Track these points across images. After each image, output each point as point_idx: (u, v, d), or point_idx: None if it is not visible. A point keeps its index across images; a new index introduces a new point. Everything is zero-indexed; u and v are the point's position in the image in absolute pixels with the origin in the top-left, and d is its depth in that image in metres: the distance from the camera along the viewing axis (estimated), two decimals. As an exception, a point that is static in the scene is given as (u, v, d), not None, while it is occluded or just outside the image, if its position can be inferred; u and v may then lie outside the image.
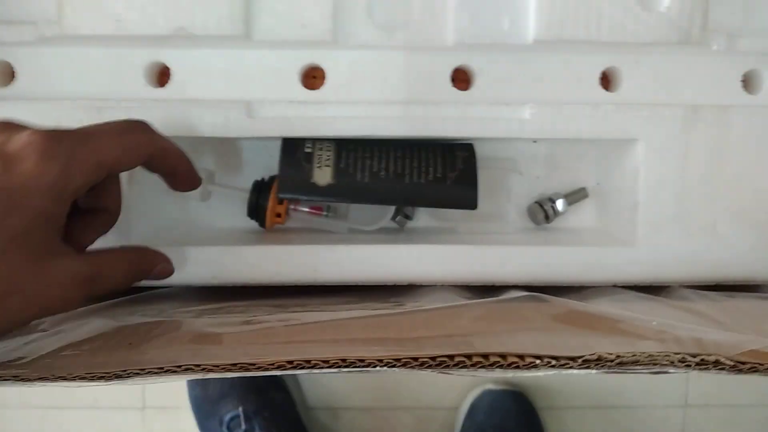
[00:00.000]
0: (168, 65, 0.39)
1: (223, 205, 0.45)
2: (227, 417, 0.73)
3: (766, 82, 0.40)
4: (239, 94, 0.39)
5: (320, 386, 0.81)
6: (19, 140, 0.27)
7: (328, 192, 0.39)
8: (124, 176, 0.36)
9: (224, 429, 0.72)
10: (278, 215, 0.42)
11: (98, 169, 0.29)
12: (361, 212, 0.43)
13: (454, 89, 0.39)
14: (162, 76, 0.40)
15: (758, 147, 0.40)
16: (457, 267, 0.39)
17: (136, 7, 0.37)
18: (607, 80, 0.40)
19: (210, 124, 0.39)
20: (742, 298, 0.38)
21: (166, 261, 0.35)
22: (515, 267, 0.39)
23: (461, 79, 0.40)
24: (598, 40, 0.38)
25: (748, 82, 0.41)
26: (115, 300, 0.37)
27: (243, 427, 0.72)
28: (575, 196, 0.44)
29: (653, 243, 0.39)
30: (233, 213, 0.44)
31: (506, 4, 0.38)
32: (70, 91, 0.39)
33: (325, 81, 0.39)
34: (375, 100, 0.39)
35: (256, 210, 0.42)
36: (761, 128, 0.40)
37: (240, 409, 0.73)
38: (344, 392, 0.82)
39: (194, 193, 0.42)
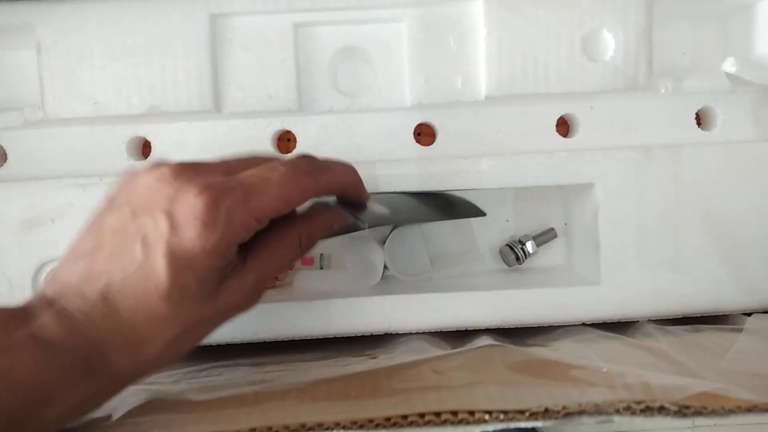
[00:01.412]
0: (148, 139, 0.42)
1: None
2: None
3: (719, 118, 0.42)
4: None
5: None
6: (185, 205, 0.28)
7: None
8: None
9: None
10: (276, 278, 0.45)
11: (259, 222, 0.29)
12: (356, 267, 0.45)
13: (418, 145, 0.41)
14: (144, 148, 0.43)
15: (715, 181, 0.41)
16: (431, 315, 0.41)
17: (111, 90, 0.40)
18: (564, 127, 0.42)
19: (189, 192, 0.41)
20: (708, 332, 0.39)
21: (334, 214, 0.35)
22: (487, 312, 0.41)
23: (426, 133, 0.42)
24: (548, 92, 0.39)
25: (702, 120, 0.42)
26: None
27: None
28: (544, 237, 0.46)
29: (617, 281, 0.41)
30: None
31: (458, 64, 0.40)
32: (58, 169, 0.41)
33: (296, 144, 0.42)
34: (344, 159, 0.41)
35: None
36: (717, 162, 0.41)
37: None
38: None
39: None
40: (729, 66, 0.40)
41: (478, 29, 0.39)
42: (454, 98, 0.40)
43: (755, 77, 0.40)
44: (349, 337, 0.41)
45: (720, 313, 0.42)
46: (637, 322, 0.42)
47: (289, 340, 0.41)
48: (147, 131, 0.42)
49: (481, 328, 0.41)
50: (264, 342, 0.41)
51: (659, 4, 0.40)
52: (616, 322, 0.41)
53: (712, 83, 0.41)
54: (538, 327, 0.41)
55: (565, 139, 0.41)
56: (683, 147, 0.41)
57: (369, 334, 0.41)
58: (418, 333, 0.41)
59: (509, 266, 0.46)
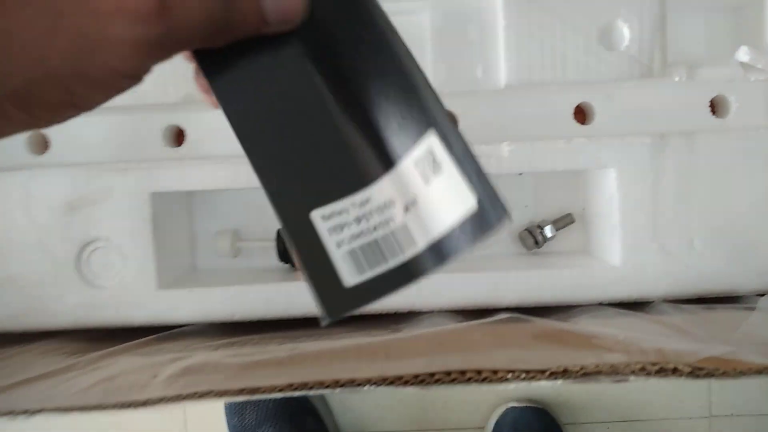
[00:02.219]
0: (182, 127, 0.44)
1: (257, 257, 0.49)
2: (264, 444, 0.76)
3: (733, 106, 0.43)
4: (246, 148, 0.43)
5: (351, 411, 0.84)
6: None
7: None
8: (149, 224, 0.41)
9: (262, 456, 0.75)
10: None
11: None
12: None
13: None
14: (178, 136, 0.45)
15: (728, 165, 0.43)
16: (453, 293, 0.43)
17: (148, 79, 0.42)
18: (582, 115, 0.44)
19: (223, 177, 0.44)
20: (721, 310, 0.41)
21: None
22: (507, 291, 0.43)
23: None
24: (565, 80, 0.41)
25: (716, 108, 0.44)
26: (144, 339, 0.42)
27: (280, 453, 0.75)
28: (562, 222, 0.47)
29: (633, 262, 0.42)
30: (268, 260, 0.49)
31: (478, 54, 0.42)
32: (99, 155, 0.44)
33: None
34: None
35: (284, 255, 0.47)
36: (730, 148, 0.43)
37: (275, 436, 0.76)
38: (374, 417, 0.84)
39: (226, 251, 0.47)
40: (742, 55, 0.41)
41: (498, 20, 0.41)
42: (475, 86, 0.42)
43: (767, 65, 0.41)
44: (374, 315, 0.43)
45: (733, 295, 0.43)
46: (653, 302, 0.43)
47: (316, 318, 0.43)
48: (181, 119, 0.44)
49: (501, 307, 0.43)
50: (294, 319, 0.43)
51: (673, -4, 0.42)
52: (632, 303, 0.43)
53: (726, 72, 0.42)
54: (556, 306, 0.43)
55: (582, 126, 0.43)
56: (698, 134, 0.43)
57: (394, 312, 0.43)
58: (440, 311, 0.43)
59: (528, 250, 0.48)
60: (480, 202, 0.25)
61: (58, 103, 0.25)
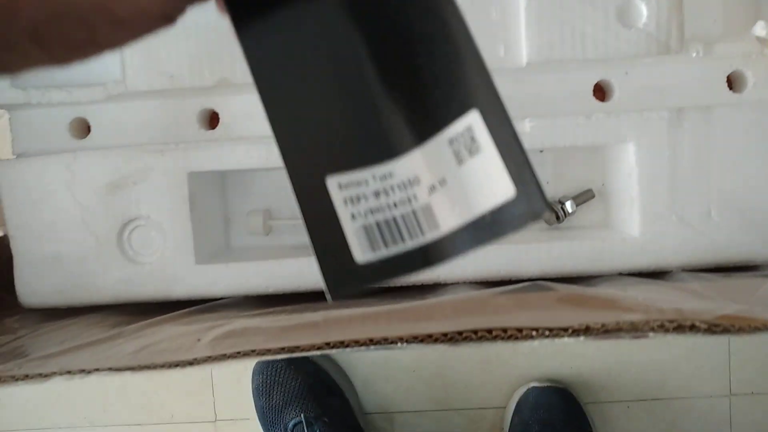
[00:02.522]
0: (216, 111, 0.46)
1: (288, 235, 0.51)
2: (291, 423, 0.79)
3: (750, 81, 0.44)
4: (277, 129, 0.45)
5: (375, 392, 0.85)
6: None
7: None
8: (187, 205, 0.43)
9: (289, 435, 0.77)
10: None
11: None
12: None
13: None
14: (212, 120, 0.47)
15: (745, 139, 0.44)
16: (476, 265, 0.44)
17: (185, 64, 0.44)
18: (601, 92, 0.45)
19: (255, 157, 0.46)
20: (739, 277, 0.42)
21: None
22: (529, 263, 0.44)
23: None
24: (585, 57, 0.43)
25: (733, 82, 0.45)
26: (184, 311, 0.44)
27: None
28: (583, 197, 0.49)
29: (652, 233, 0.44)
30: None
31: (500, 33, 0.43)
32: (136, 138, 0.46)
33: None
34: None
35: None
36: (747, 122, 0.44)
37: (302, 415, 0.78)
38: (398, 397, 0.86)
39: (258, 229, 0.49)
40: (759, 29, 0.42)
41: (519, 0, 0.43)
42: (497, 65, 0.43)
43: (783, 39, 0.42)
44: (400, 287, 0.45)
45: (750, 264, 0.44)
46: (671, 271, 0.44)
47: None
48: (216, 103, 0.46)
49: (523, 278, 0.44)
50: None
51: (690, -27, 0.43)
52: (651, 273, 0.44)
53: (742, 47, 0.43)
54: (577, 277, 0.44)
55: (601, 103, 0.44)
56: (715, 108, 0.44)
57: (420, 285, 0.45)
58: (464, 283, 0.45)
59: (550, 225, 0.49)
60: (518, 192, 0.23)
61: (80, 41, 0.23)
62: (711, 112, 0.44)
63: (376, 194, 0.25)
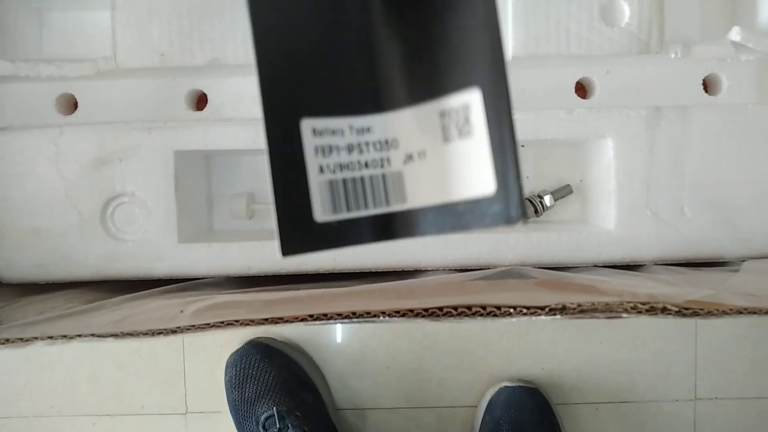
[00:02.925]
0: (205, 92, 0.46)
1: (270, 219, 0.52)
2: (263, 417, 0.79)
3: (725, 84, 0.46)
4: (265, 112, 0.46)
5: (348, 388, 0.86)
6: None
7: None
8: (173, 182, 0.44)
9: (260, 429, 0.77)
10: None
11: None
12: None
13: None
14: (200, 101, 0.48)
15: (719, 139, 0.45)
16: (457, 252, 0.45)
17: (176, 42, 0.45)
18: (582, 90, 0.47)
19: (243, 139, 0.46)
20: (708, 271, 0.44)
21: None
22: (507, 251, 0.45)
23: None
24: (569, 53, 0.44)
25: (708, 85, 0.47)
26: (166, 287, 0.44)
27: (277, 425, 0.77)
28: (561, 192, 0.50)
29: (627, 227, 0.45)
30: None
31: (488, 26, 0.44)
32: (124, 115, 0.46)
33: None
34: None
35: None
36: (720, 124, 0.45)
37: (274, 408, 0.78)
38: (371, 394, 0.86)
39: (241, 212, 0.49)
40: (735, 34, 0.44)
41: (507, -5, 0.44)
42: (484, 57, 0.44)
43: (758, 45, 0.44)
44: (381, 272, 0.46)
45: (720, 260, 0.46)
46: (644, 265, 0.46)
47: (327, 274, 0.46)
48: (205, 84, 0.47)
49: (502, 266, 0.45)
50: (307, 274, 0.46)
51: (671, -23, 0.44)
52: (625, 266, 0.45)
53: (719, 50, 0.45)
54: (554, 268, 0.46)
55: (583, 100, 0.46)
56: (691, 108, 0.45)
57: (400, 270, 0.46)
58: (445, 270, 0.46)
59: (528, 218, 0.50)
60: (498, 191, 0.22)
61: None
62: (687, 113, 0.45)
63: (350, 148, 0.23)
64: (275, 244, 0.45)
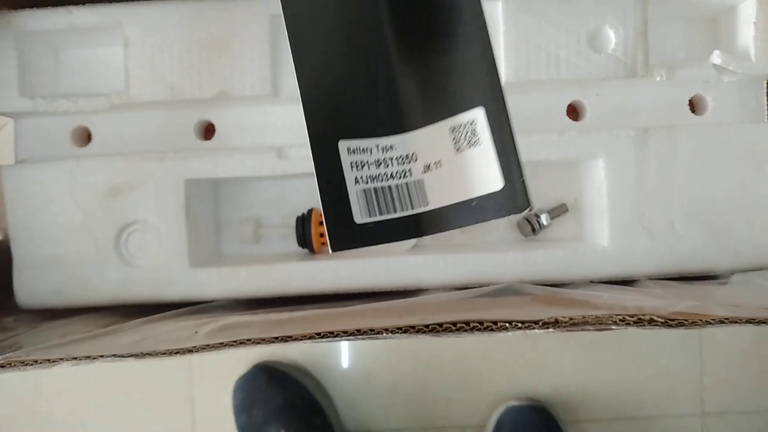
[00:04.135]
0: (212, 122, 0.49)
1: (276, 243, 0.54)
2: (271, 441, 0.79)
3: (710, 104, 0.48)
4: (271, 141, 0.48)
5: (355, 410, 0.87)
6: None
7: None
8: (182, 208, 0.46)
9: (268, 453, 0.78)
10: (323, 243, 0.51)
11: None
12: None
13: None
14: (208, 131, 0.50)
15: (706, 157, 0.47)
16: (456, 272, 0.47)
17: (186, 77, 0.47)
18: (574, 112, 0.49)
19: (249, 167, 0.48)
20: (699, 285, 0.45)
21: None
22: (505, 270, 0.47)
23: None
24: (559, 78, 0.46)
25: (694, 105, 0.49)
26: (178, 310, 0.46)
27: (285, 449, 0.78)
28: (557, 211, 0.52)
29: (620, 243, 0.47)
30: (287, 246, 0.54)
31: (481, 55, 0.47)
32: (136, 146, 0.49)
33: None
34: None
35: (303, 240, 0.51)
36: (707, 142, 0.47)
37: (282, 432, 0.79)
38: (378, 415, 0.87)
39: (249, 236, 0.51)
40: (716, 58, 0.46)
41: (498, 25, 0.46)
42: (478, 84, 0.47)
43: (738, 67, 0.46)
44: (385, 292, 0.48)
45: (711, 274, 0.47)
46: (637, 280, 0.47)
47: (330, 295, 0.47)
48: (213, 115, 0.49)
49: (500, 284, 0.47)
50: (313, 296, 0.47)
51: (654, 5, 0.46)
52: (620, 281, 0.47)
53: (702, 73, 0.47)
54: (551, 285, 0.47)
55: (574, 122, 0.48)
56: (678, 128, 0.47)
57: (403, 290, 0.47)
58: (446, 289, 0.47)
59: (525, 237, 0.52)
60: (506, 186, 0.27)
61: None
62: (674, 132, 0.47)
63: (377, 163, 0.28)
64: (283, 267, 0.47)
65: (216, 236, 0.54)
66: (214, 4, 0.47)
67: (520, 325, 0.33)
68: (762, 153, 0.47)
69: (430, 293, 0.47)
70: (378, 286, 0.47)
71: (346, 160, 0.28)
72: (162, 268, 0.48)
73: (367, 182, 0.28)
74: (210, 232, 0.53)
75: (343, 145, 0.28)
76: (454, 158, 0.28)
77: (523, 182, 0.27)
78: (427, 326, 0.33)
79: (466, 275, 0.47)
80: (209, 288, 0.48)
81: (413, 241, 0.51)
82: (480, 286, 0.47)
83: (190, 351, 0.34)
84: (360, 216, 0.28)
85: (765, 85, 0.48)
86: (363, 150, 0.28)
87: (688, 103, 0.48)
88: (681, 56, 0.50)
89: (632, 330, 0.34)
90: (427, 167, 0.29)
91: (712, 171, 0.47)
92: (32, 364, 0.33)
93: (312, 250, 0.51)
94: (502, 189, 0.27)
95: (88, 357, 0.34)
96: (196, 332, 0.37)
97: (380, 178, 0.29)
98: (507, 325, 0.33)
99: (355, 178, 0.28)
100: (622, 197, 0.47)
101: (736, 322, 0.33)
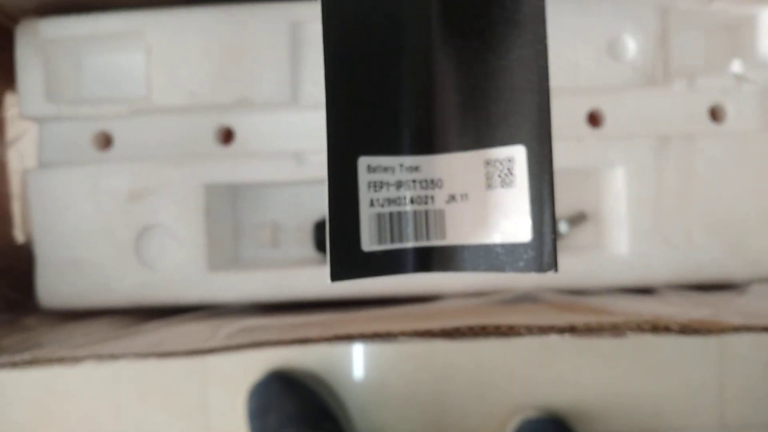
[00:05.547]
0: (232, 128, 0.49)
1: (294, 248, 0.54)
2: (284, 447, 0.79)
3: (730, 113, 0.48)
4: (290, 147, 0.49)
5: (369, 419, 0.87)
6: None
7: None
8: (202, 212, 0.46)
9: (282, 458, 0.78)
10: None
11: None
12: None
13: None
14: (227, 136, 0.50)
15: (725, 166, 0.47)
16: (474, 279, 0.47)
17: (206, 82, 0.48)
18: (594, 119, 0.49)
19: (267, 172, 0.49)
20: (717, 294, 0.45)
21: None
22: (524, 277, 0.47)
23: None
24: (578, 86, 0.46)
25: (715, 114, 0.48)
26: (196, 313, 0.46)
27: (299, 455, 0.78)
28: (576, 219, 0.52)
29: (638, 252, 0.47)
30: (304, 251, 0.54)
31: (500, 63, 0.47)
32: (157, 151, 0.49)
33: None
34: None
35: (320, 245, 0.51)
36: (727, 151, 0.47)
37: (296, 439, 0.79)
38: (392, 424, 0.87)
39: (266, 241, 0.52)
40: (736, 67, 0.46)
41: (517, 34, 0.46)
42: (496, 91, 0.47)
43: (758, 76, 0.46)
44: (403, 298, 0.48)
45: (730, 283, 0.47)
46: (655, 289, 0.47)
47: (344, 302, 0.48)
48: (232, 121, 0.49)
49: (518, 291, 0.47)
50: (330, 301, 0.48)
51: (674, 14, 0.46)
52: (638, 290, 0.47)
53: (722, 82, 0.47)
54: (570, 292, 0.47)
55: (594, 129, 0.48)
56: (697, 137, 0.47)
57: (420, 297, 0.47)
58: (463, 296, 0.47)
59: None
60: (534, 239, 0.24)
61: None
62: (694, 141, 0.47)
63: (398, 185, 0.26)
64: (300, 272, 0.47)
65: (234, 241, 0.54)
66: (234, 11, 0.47)
67: (536, 330, 0.33)
68: (782, 162, 0.47)
69: (447, 300, 0.47)
70: (395, 293, 0.47)
71: (363, 178, 0.25)
72: (180, 271, 0.48)
73: (383, 205, 0.25)
74: (228, 237, 0.53)
75: (363, 162, 0.25)
76: (484, 195, 0.25)
77: (554, 240, 0.24)
78: (443, 331, 0.33)
79: (483, 282, 0.47)
80: (227, 292, 0.48)
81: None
82: (497, 294, 0.47)
83: (210, 351, 0.34)
84: (369, 243, 0.25)
85: (786, 94, 0.48)
86: (384, 169, 0.26)
87: (707, 111, 0.48)
88: (701, 65, 0.49)
89: (650, 339, 0.33)
90: (452, 197, 0.26)
91: (731, 179, 0.47)
92: (58, 362, 0.34)
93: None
94: (529, 242, 0.24)
95: (112, 356, 0.34)
96: (215, 334, 0.37)
97: (398, 202, 0.26)
98: (523, 330, 0.33)
99: (371, 200, 0.25)
100: (641, 205, 0.47)
101: (753, 330, 0.32)
